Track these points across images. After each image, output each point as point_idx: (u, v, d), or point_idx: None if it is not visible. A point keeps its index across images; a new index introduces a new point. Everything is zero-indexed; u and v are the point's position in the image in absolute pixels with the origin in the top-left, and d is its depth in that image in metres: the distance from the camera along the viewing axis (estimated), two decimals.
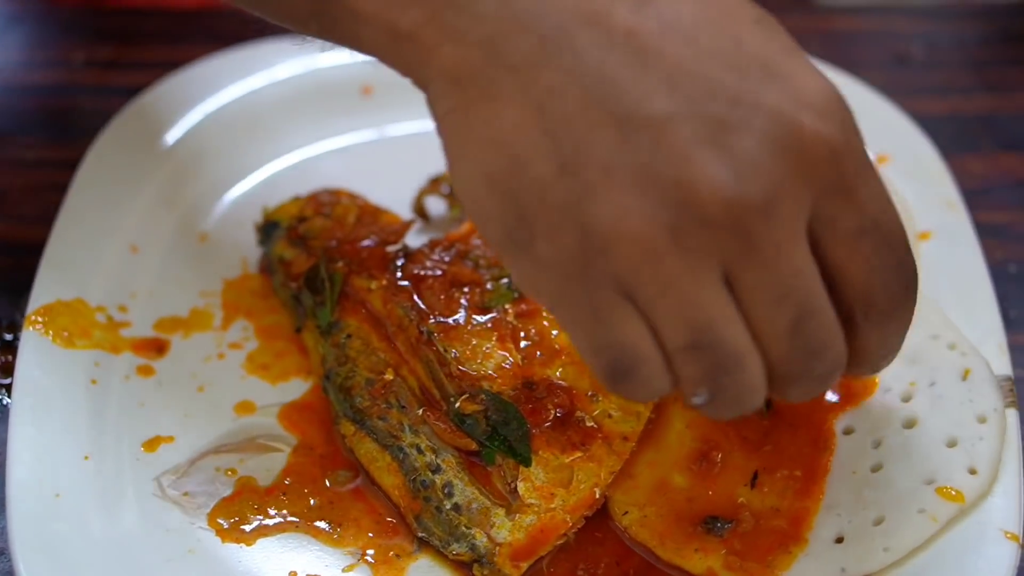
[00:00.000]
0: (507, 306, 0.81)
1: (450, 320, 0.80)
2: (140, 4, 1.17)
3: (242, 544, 0.74)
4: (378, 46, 0.68)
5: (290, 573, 0.73)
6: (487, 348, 0.79)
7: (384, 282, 0.82)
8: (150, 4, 1.17)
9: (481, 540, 0.73)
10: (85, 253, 0.86)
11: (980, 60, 1.12)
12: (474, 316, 0.80)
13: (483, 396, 0.76)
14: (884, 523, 0.73)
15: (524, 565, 0.73)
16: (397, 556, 0.74)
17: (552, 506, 0.73)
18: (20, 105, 1.05)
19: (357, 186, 0.92)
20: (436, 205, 0.93)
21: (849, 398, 0.79)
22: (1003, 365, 0.80)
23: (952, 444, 0.75)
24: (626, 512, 0.75)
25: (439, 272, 0.82)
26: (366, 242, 0.85)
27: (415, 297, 0.81)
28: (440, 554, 0.74)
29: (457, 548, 0.73)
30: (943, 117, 1.05)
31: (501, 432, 0.75)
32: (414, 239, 0.87)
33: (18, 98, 1.05)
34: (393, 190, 0.92)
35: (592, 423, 0.76)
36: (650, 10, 0.63)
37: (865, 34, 1.16)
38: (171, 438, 0.79)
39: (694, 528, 0.73)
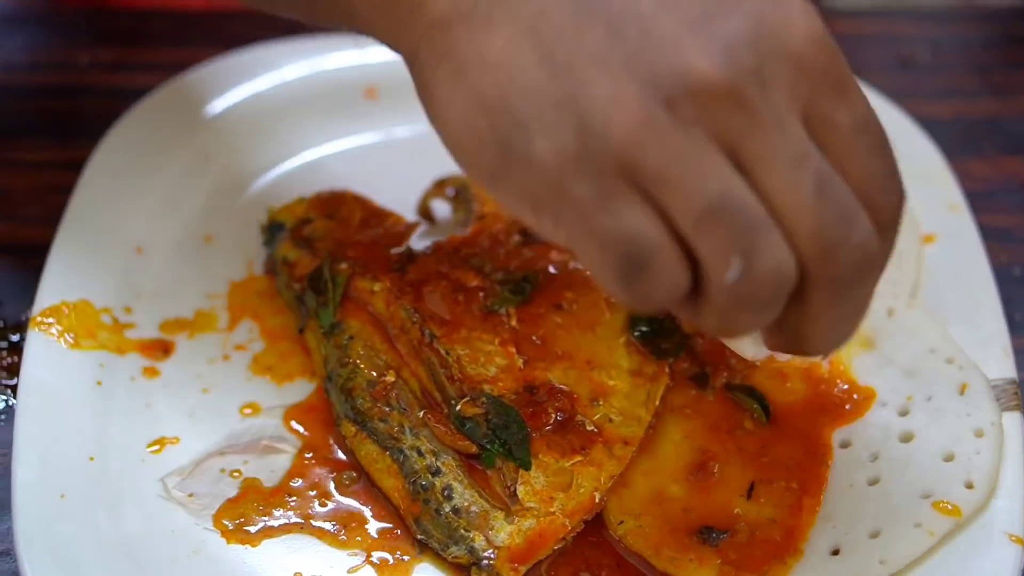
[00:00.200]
0: (510, 310, 0.81)
1: (452, 323, 0.80)
2: (146, 6, 1.17)
3: (247, 545, 0.74)
4: (371, 8, 0.69)
5: (295, 574, 0.73)
6: (489, 351, 0.79)
7: (388, 284, 0.82)
8: (156, 6, 1.17)
9: (480, 543, 0.73)
10: (90, 254, 0.86)
11: (984, 63, 1.12)
12: (476, 319, 0.80)
13: (484, 399, 0.76)
14: (880, 536, 0.73)
15: (522, 568, 0.72)
16: (402, 558, 0.74)
17: (551, 510, 0.73)
18: (25, 107, 1.05)
19: (362, 188, 0.92)
20: (441, 208, 0.93)
21: (846, 412, 0.79)
22: (1007, 368, 0.80)
23: (949, 458, 0.76)
24: (621, 521, 0.74)
25: (442, 275, 0.82)
26: (370, 244, 0.85)
27: (418, 299, 0.81)
28: (439, 557, 0.74)
29: (456, 551, 0.73)
30: (947, 120, 1.05)
31: (501, 435, 0.75)
32: (419, 242, 0.87)
33: (23, 99, 1.05)
34: (398, 192, 0.92)
35: (593, 427, 0.76)
36: None
37: (869, 37, 1.16)
38: (176, 439, 0.79)
39: (689, 538, 0.73)
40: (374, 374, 0.79)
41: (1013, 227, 0.96)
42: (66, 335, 0.81)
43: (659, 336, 0.80)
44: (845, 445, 0.78)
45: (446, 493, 0.74)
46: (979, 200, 0.93)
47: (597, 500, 0.74)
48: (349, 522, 0.75)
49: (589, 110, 0.62)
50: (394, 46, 0.70)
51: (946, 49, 1.14)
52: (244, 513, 0.76)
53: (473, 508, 0.74)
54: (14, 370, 0.84)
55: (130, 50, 1.09)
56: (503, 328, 0.80)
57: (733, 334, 0.66)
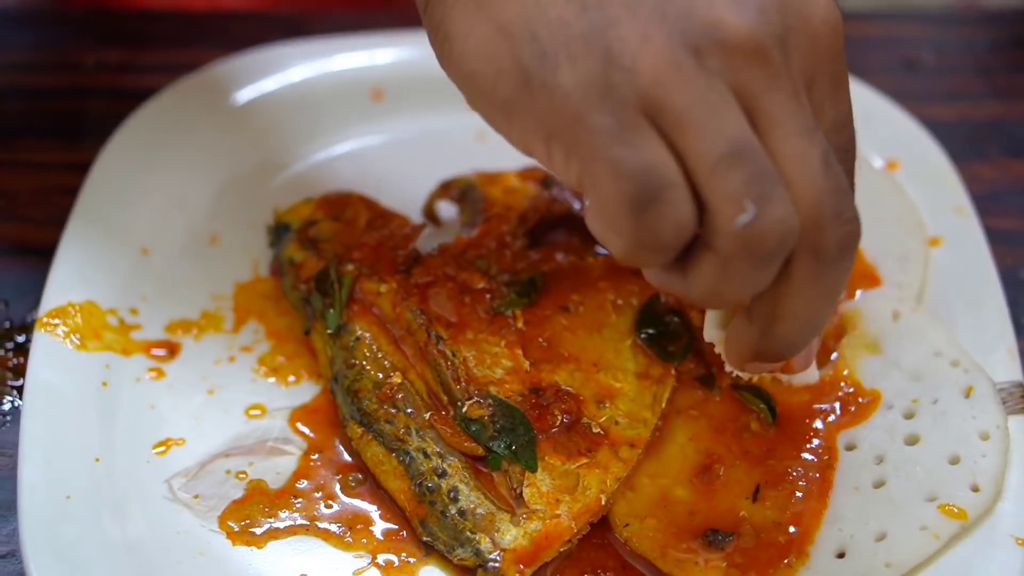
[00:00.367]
0: (516, 312, 0.81)
1: (458, 325, 0.80)
2: (151, 7, 1.17)
3: (252, 547, 0.74)
4: None
5: None
6: (495, 353, 0.79)
7: (394, 285, 0.82)
8: (162, 7, 1.17)
9: (486, 545, 0.73)
10: (96, 256, 0.86)
11: (989, 66, 1.12)
12: (483, 321, 0.80)
13: (490, 401, 0.76)
14: (886, 539, 0.73)
15: (528, 571, 0.72)
16: (408, 560, 0.74)
17: (557, 512, 0.73)
18: (31, 108, 1.05)
19: (368, 189, 0.92)
20: (447, 210, 0.93)
21: (852, 415, 0.79)
22: (1013, 371, 0.80)
23: (955, 461, 0.76)
24: (627, 524, 0.74)
25: (449, 277, 0.82)
26: (376, 245, 0.85)
27: (424, 301, 0.81)
28: (445, 559, 0.74)
29: (461, 553, 0.73)
30: (952, 123, 1.05)
31: (507, 437, 0.75)
32: (425, 243, 0.87)
33: (29, 101, 1.05)
34: (404, 194, 0.92)
35: (599, 429, 0.76)
36: None
37: (874, 40, 1.15)
38: (182, 441, 0.79)
39: (695, 541, 0.73)
40: (380, 376, 0.79)
41: (1019, 230, 0.96)
42: (72, 336, 0.81)
43: (665, 338, 0.80)
44: (851, 447, 0.78)
45: (452, 495, 0.74)
46: (985, 203, 0.93)
47: (603, 502, 0.74)
48: (355, 524, 0.75)
49: (617, 47, 0.63)
50: None
51: (951, 52, 1.14)
52: (250, 515, 0.76)
53: (479, 510, 0.74)
54: (20, 371, 0.84)
55: (136, 51, 1.09)
56: (509, 330, 0.80)
57: (724, 297, 0.66)
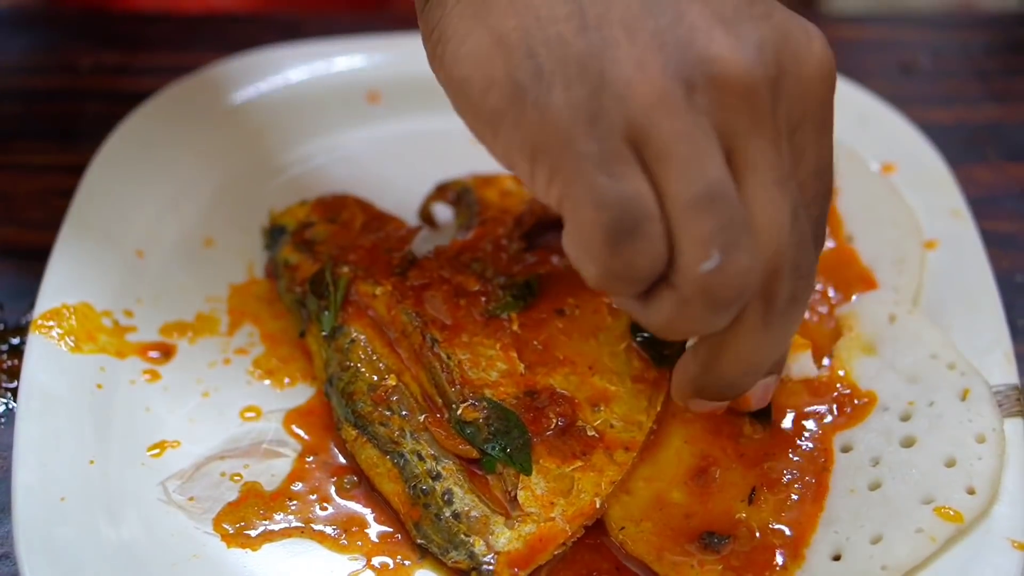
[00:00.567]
0: (511, 314, 0.80)
1: (453, 327, 0.80)
2: (148, 10, 1.17)
3: (247, 549, 0.74)
4: None
5: None
6: (490, 356, 0.79)
7: (389, 288, 0.82)
8: (158, 10, 1.17)
9: (479, 548, 0.73)
10: (91, 258, 0.86)
11: (986, 70, 1.12)
12: (478, 324, 0.80)
13: (485, 404, 0.76)
14: (882, 542, 0.73)
15: (522, 574, 0.72)
16: (403, 563, 0.74)
17: (552, 515, 0.73)
18: (27, 110, 1.05)
19: (364, 192, 0.92)
20: (443, 212, 0.93)
21: (848, 416, 0.79)
22: (1010, 374, 0.80)
23: (951, 464, 0.75)
24: (623, 527, 0.74)
25: (444, 279, 0.82)
26: (372, 248, 0.85)
27: (419, 304, 0.81)
28: (439, 562, 0.74)
29: (455, 556, 0.73)
30: (949, 126, 1.05)
31: (502, 440, 0.75)
32: (420, 246, 0.87)
33: (25, 103, 1.05)
34: (400, 196, 0.92)
35: (593, 432, 0.76)
36: None
37: (871, 43, 1.16)
38: (177, 443, 0.79)
39: (691, 544, 0.73)
40: (375, 378, 0.79)
41: (1015, 233, 0.96)
42: (67, 338, 0.81)
43: (660, 342, 0.80)
44: (846, 449, 0.77)
45: (446, 498, 0.74)
46: (981, 206, 0.94)
47: (598, 506, 0.74)
48: (350, 526, 0.75)
49: (612, 71, 0.63)
50: None
51: (947, 55, 1.14)
52: (244, 517, 0.75)
53: (473, 513, 0.74)
54: (15, 373, 0.84)
55: (132, 54, 1.09)
56: (504, 333, 0.80)
57: (677, 333, 0.66)
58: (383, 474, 0.76)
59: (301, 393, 0.82)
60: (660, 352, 0.80)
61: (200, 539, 0.74)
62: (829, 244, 0.88)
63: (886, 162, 0.95)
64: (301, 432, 0.80)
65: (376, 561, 0.74)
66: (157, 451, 0.78)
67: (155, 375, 0.82)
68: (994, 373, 0.80)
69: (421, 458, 0.76)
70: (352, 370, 0.79)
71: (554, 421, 0.76)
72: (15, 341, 0.86)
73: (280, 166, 0.97)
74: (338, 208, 0.89)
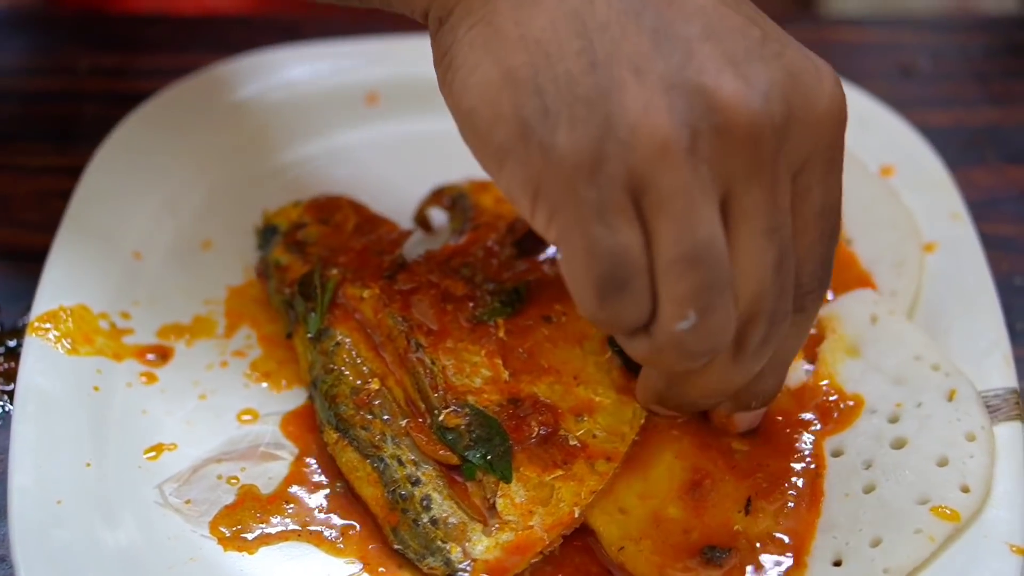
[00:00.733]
0: (498, 321, 0.80)
1: (439, 332, 0.79)
2: (146, 11, 1.17)
3: (244, 553, 0.74)
4: None
5: None
6: (475, 362, 0.78)
7: (377, 291, 0.82)
8: (156, 12, 1.17)
9: (456, 555, 0.72)
10: (88, 260, 0.86)
11: (985, 72, 1.12)
12: (464, 330, 0.80)
13: (467, 410, 0.76)
14: (882, 544, 0.72)
15: None
16: (399, 566, 0.73)
17: (530, 524, 0.73)
18: (25, 112, 1.05)
19: (363, 194, 0.91)
20: (439, 217, 0.92)
21: (836, 421, 0.79)
22: (1008, 378, 0.80)
23: (943, 463, 0.75)
24: (622, 547, 0.73)
25: (432, 284, 0.82)
26: (362, 250, 0.85)
27: (406, 308, 0.81)
28: (416, 568, 0.73)
29: (432, 562, 0.72)
30: (948, 129, 1.05)
31: (483, 447, 0.75)
32: (413, 250, 0.87)
33: (23, 105, 1.05)
34: (398, 199, 0.92)
35: (576, 442, 0.75)
36: None
37: (870, 46, 1.16)
38: (174, 446, 0.79)
39: (692, 559, 0.73)
40: (358, 382, 0.79)
41: (1015, 236, 0.96)
42: (63, 341, 0.81)
43: None
44: (837, 454, 0.77)
45: (425, 503, 0.74)
46: (980, 209, 0.93)
47: (576, 515, 0.73)
48: (347, 530, 0.75)
49: (619, 115, 0.62)
50: (424, 11, 0.70)
51: (947, 58, 1.14)
52: (241, 520, 0.75)
53: (451, 519, 0.73)
54: (11, 376, 0.83)
55: (131, 56, 1.09)
56: (490, 339, 0.79)
57: (652, 366, 0.72)
58: (363, 478, 0.76)
59: (298, 396, 0.82)
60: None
61: (197, 542, 0.74)
62: None
63: (885, 164, 0.95)
64: (296, 435, 0.80)
65: (373, 565, 0.73)
66: (154, 454, 0.78)
67: (152, 378, 0.82)
68: (993, 376, 0.80)
69: (401, 463, 0.75)
70: (336, 373, 0.79)
71: (536, 430, 0.75)
72: (12, 343, 0.86)
73: (279, 168, 0.97)
74: (331, 209, 0.89)
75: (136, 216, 0.90)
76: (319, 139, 0.98)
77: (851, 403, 0.80)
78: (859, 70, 1.07)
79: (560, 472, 0.74)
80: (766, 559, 0.72)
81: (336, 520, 0.75)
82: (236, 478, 0.77)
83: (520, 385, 0.77)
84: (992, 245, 0.90)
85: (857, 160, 0.94)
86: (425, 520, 0.73)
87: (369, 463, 0.76)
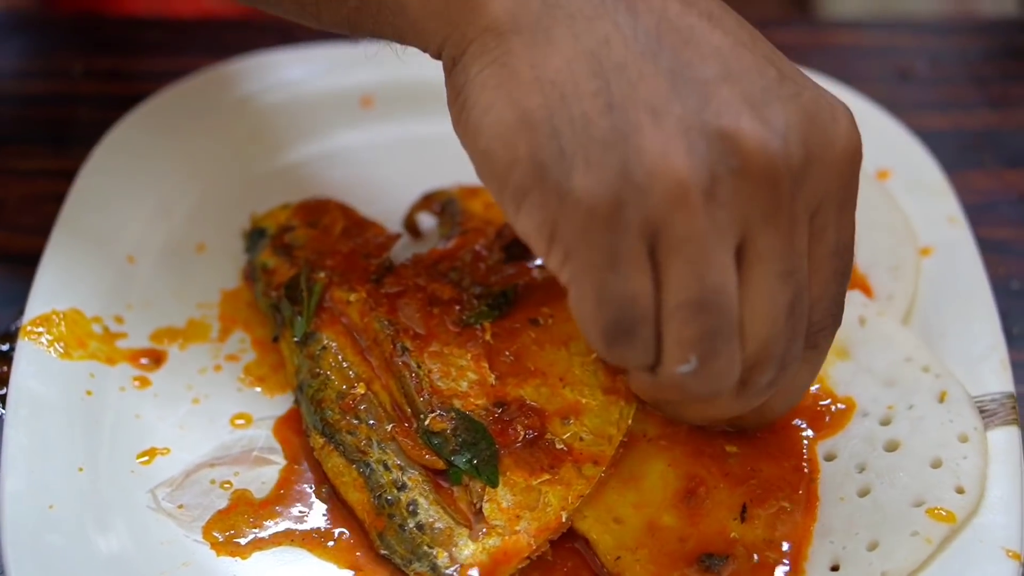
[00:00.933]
0: (485, 324, 0.80)
1: (425, 336, 0.79)
2: (140, 14, 1.17)
3: (237, 557, 0.74)
4: (424, 7, 0.68)
5: None
6: (461, 366, 0.78)
7: (363, 295, 0.81)
8: (150, 14, 1.17)
9: (443, 560, 0.72)
10: (82, 263, 0.86)
11: (983, 76, 1.12)
12: (450, 333, 0.79)
13: (453, 415, 0.76)
14: (879, 548, 0.72)
15: None
16: (392, 573, 0.73)
17: (516, 528, 0.72)
18: (19, 114, 1.04)
19: (356, 197, 0.91)
20: (428, 222, 0.92)
21: (828, 425, 0.79)
22: (1005, 382, 0.79)
23: (937, 465, 0.75)
24: (618, 557, 0.73)
25: (419, 287, 0.81)
26: (349, 254, 0.84)
27: (393, 311, 0.80)
28: (402, 573, 0.73)
29: (418, 567, 0.72)
30: (946, 132, 1.05)
31: (469, 452, 0.74)
32: (402, 254, 0.87)
33: (17, 107, 1.05)
34: (391, 202, 0.92)
35: (562, 446, 0.75)
36: (701, 3, 0.66)
37: (868, 49, 1.15)
38: (167, 450, 0.79)
39: (690, 567, 0.72)
40: (344, 386, 0.78)
41: (1011, 240, 0.96)
42: (56, 345, 0.80)
43: None
44: (830, 458, 0.77)
45: (411, 508, 0.73)
46: (978, 212, 0.93)
47: (564, 520, 0.73)
48: (340, 535, 0.75)
49: (636, 159, 0.62)
50: (437, 50, 0.70)
51: (945, 61, 1.13)
52: (234, 525, 0.75)
53: (437, 524, 0.73)
54: (3, 380, 0.83)
55: (125, 58, 1.09)
56: (476, 343, 0.79)
57: (654, 404, 0.75)
58: (348, 483, 0.75)
59: (292, 400, 0.82)
60: None
61: (190, 547, 0.74)
62: None
63: (881, 168, 0.95)
64: (289, 439, 0.79)
65: (367, 571, 0.73)
66: (147, 458, 0.78)
67: (145, 382, 0.82)
68: (989, 381, 0.79)
69: (387, 468, 0.75)
70: (322, 377, 0.79)
71: (522, 433, 0.75)
72: (4, 347, 0.86)
73: (273, 171, 0.97)
74: (320, 212, 0.88)
75: (130, 219, 0.90)
76: (314, 142, 0.98)
77: (842, 406, 0.79)
78: (856, 73, 1.07)
79: (547, 476, 0.74)
80: (763, 566, 0.72)
81: (329, 525, 0.75)
82: (229, 483, 0.77)
83: (506, 388, 0.77)
84: (989, 249, 0.90)
85: None
86: (411, 525, 0.73)
87: (355, 468, 0.75)
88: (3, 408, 0.80)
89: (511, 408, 0.76)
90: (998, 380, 0.80)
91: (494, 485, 0.73)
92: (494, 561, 0.71)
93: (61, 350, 0.80)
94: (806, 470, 0.76)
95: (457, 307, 0.80)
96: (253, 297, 0.87)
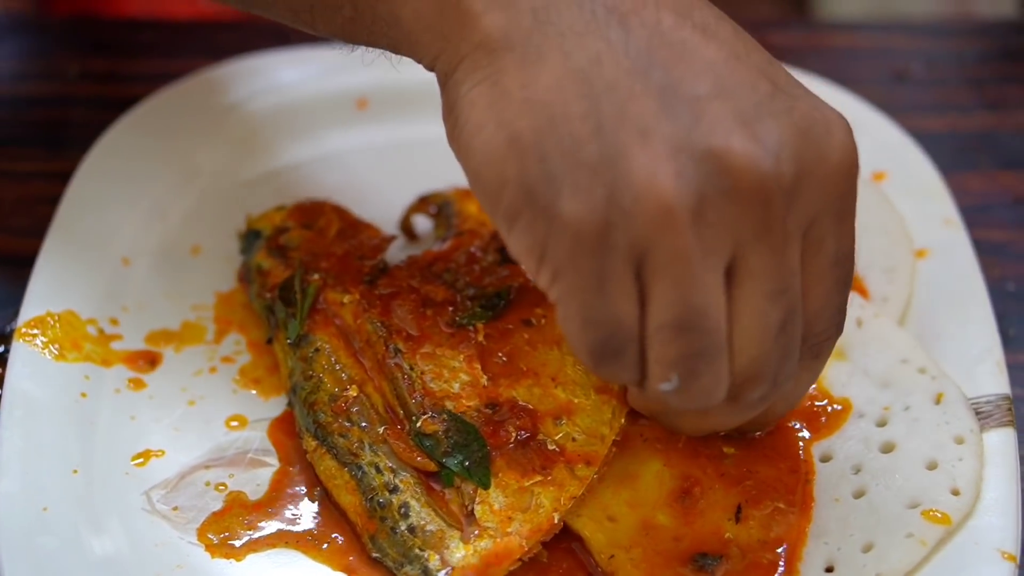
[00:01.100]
0: (478, 325, 0.80)
1: (418, 338, 0.79)
2: (136, 16, 1.17)
3: (231, 559, 0.74)
4: (417, 20, 0.68)
5: None
6: (453, 367, 0.78)
7: (357, 296, 0.81)
8: (146, 16, 1.16)
9: (434, 563, 0.71)
10: (77, 265, 0.86)
11: (979, 77, 1.12)
12: (443, 335, 0.79)
13: (444, 416, 0.75)
14: (874, 550, 0.72)
15: None
16: (386, 574, 0.73)
17: (509, 530, 0.72)
18: (14, 117, 1.04)
19: (351, 199, 0.91)
20: (424, 224, 0.92)
21: (824, 426, 0.79)
22: (1001, 384, 0.79)
23: (932, 466, 0.75)
24: (612, 555, 0.73)
25: (413, 289, 0.81)
26: (344, 255, 0.84)
27: (386, 313, 0.80)
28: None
29: (410, 570, 0.72)
30: (942, 134, 1.05)
31: (461, 454, 0.74)
32: (397, 256, 0.87)
33: (12, 110, 1.05)
34: (387, 204, 0.92)
35: (554, 447, 0.75)
36: (695, 14, 0.66)
37: (864, 51, 1.15)
38: (161, 452, 0.78)
39: (684, 567, 0.72)
40: (336, 389, 0.78)
41: (1007, 242, 0.96)
42: (51, 346, 0.80)
43: None
44: (826, 459, 0.77)
45: (403, 511, 0.73)
46: (973, 214, 0.93)
47: (556, 521, 0.73)
48: (335, 538, 0.74)
49: (623, 183, 0.62)
50: (431, 63, 0.70)
51: (941, 63, 1.13)
52: (229, 527, 0.75)
53: (429, 527, 0.73)
54: None
55: (121, 61, 1.09)
56: (469, 344, 0.79)
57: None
58: (341, 486, 0.75)
59: (287, 402, 0.81)
60: None
61: (184, 549, 0.74)
62: None
63: (877, 170, 0.95)
64: (282, 441, 0.79)
65: (360, 571, 0.73)
66: (141, 460, 0.78)
67: (140, 384, 0.82)
68: (985, 383, 0.79)
69: (379, 471, 0.75)
70: (315, 380, 0.79)
71: (514, 434, 0.75)
72: None
73: (268, 173, 0.97)
74: (315, 214, 0.88)
75: (125, 221, 0.90)
76: (309, 144, 0.98)
77: (839, 407, 0.79)
78: (852, 75, 1.07)
79: (539, 477, 0.74)
80: (757, 566, 0.72)
81: (324, 527, 0.75)
82: (224, 485, 0.77)
83: (499, 389, 0.77)
84: (985, 251, 0.90)
85: None
86: (403, 528, 0.73)
87: (347, 471, 0.75)
88: None
89: (503, 409, 0.76)
90: (994, 382, 0.79)
91: (486, 487, 0.73)
92: (485, 563, 0.71)
93: (56, 352, 0.80)
94: (802, 471, 0.76)
95: (450, 308, 0.80)
96: (248, 299, 0.87)
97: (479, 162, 0.65)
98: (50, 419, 0.77)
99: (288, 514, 0.76)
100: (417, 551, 0.72)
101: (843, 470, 0.76)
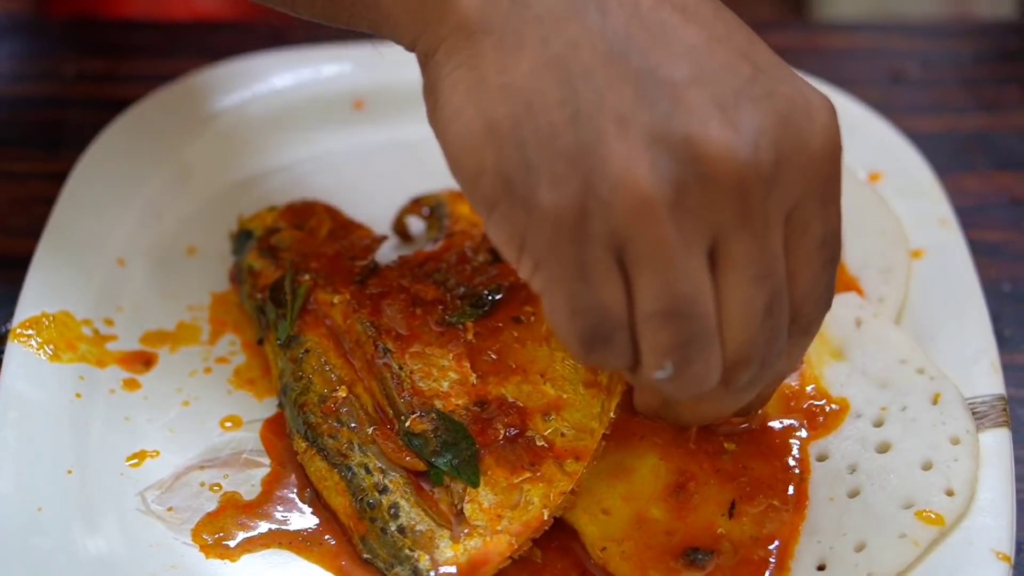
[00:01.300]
0: (467, 324, 0.79)
1: (408, 337, 0.79)
2: (132, 17, 1.16)
3: (226, 560, 0.74)
4: (396, 2, 0.68)
5: None
6: (443, 366, 0.78)
7: (347, 296, 0.81)
8: (142, 17, 1.16)
9: (424, 563, 0.71)
10: (72, 266, 0.85)
11: (975, 78, 1.12)
12: (433, 334, 0.79)
13: (433, 415, 0.75)
14: (866, 549, 0.72)
15: None
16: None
17: (498, 528, 0.72)
18: (10, 117, 1.04)
19: (343, 200, 0.91)
20: (417, 226, 0.92)
21: (821, 425, 0.79)
22: (995, 384, 0.79)
23: (927, 467, 0.75)
24: (604, 548, 0.73)
25: (403, 288, 0.81)
26: (334, 256, 0.84)
27: (376, 313, 0.80)
28: None
29: (400, 571, 0.72)
30: (937, 135, 1.05)
31: (450, 452, 0.74)
32: (388, 256, 0.86)
33: (8, 110, 1.05)
34: (382, 205, 0.92)
35: (543, 443, 0.75)
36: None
37: (860, 51, 1.15)
38: (156, 453, 0.78)
39: (675, 561, 0.72)
40: (326, 389, 0.78)
41: (1003, 242, 0.96)
42: (46, 347, 0.80)
43: None
44: (822, 458, 0.77)
45: (392, 511, 0.73)
46: (969, 215, 0.93)
47: (546, 517, 0.73)
48: (327, 537, 0.74)
49: (600, 173, 0.62)
50: (411, 44, 0.70)
51: (937, 64, 1.13)
52: (223, 527, 0.75)
53: (419, 527, 0.73)
54: None
55: (117, 61, 1.09)
56: (458, 343, 0.78)
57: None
58: (331, 487, 0.75)
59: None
60: None
61: (179, 550, 0.74)
62: None
63: (873, 171, 0.95)
64: (274, 442, 0.79)
65: (355, 573, 0.73)
66: (136, 461, 0.78)
67: (135, 384, 0.82)
68: (980, 383, 0.79)
69: (368, 471, 0.75)
70: (305, 381, 0.79)
71: (503, 432, 0.75)
72: None
73: (264, 174, 0.96)
74: (306, 215, 0.88)
75: (120, 222, 0.90)
76: (304, 145, 0.98)
77: (836, 407, 0.79)
78: (848, 75, 1.07)
79: (528, 474, 0.74)
80: (749, 562, 0.72)
81: (318, 528, 0.75)
82: (219, 485, 0.77)
83: (488, 387, 0.77)
84: (980, 251, 0.90)
85: (845, 166, 0.93)
86: (393, 528, 0.73)
87: (337, 472, 0.75)
88: None
89: (492, 407, 0.76)
90: (989, 382, 0.79)
91: (475, 485, 0.73)
92: (473, 563, 0.71)
93: (51, 352, 0.80)
94: (797, 470, 0.76)
95: (440, 307, 0.80)
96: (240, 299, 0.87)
97: (457, 147, 0.65)
98: (45, 420, 0.77)
99: (281, 515, 0.76)
100: (407, 551, 0.72)
101: (839, 469, 0.76)
